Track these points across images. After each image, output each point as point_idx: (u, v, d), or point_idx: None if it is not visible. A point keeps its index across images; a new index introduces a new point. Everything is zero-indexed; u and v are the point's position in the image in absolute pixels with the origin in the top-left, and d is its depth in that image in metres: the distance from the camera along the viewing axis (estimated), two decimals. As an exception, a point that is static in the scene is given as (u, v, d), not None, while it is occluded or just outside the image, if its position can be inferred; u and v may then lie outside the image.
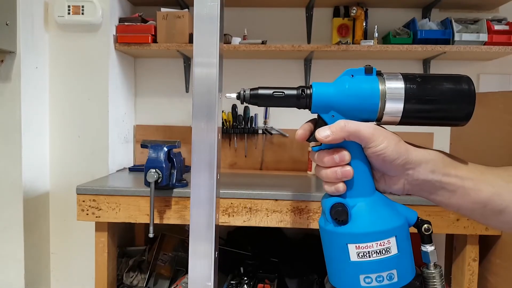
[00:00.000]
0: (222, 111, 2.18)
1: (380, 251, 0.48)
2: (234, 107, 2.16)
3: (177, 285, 1.77)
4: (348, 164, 0.50)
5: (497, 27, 1.86)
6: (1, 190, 1.69)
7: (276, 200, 1.46)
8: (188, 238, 0.52)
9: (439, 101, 0.49)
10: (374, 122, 0.51)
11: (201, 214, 0.52)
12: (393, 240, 0.49)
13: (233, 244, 2.00)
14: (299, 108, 0.53)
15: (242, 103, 0.53)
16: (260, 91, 0.53)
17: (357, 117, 0.50)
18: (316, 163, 0.53)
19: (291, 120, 2.21)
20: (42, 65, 1.84)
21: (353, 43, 2.01)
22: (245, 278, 1.80)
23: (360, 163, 0.51)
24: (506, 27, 1.86)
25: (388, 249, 0.49)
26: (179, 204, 1.49)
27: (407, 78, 0.50)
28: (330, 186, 0.51)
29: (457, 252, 1.59)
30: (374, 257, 0.48)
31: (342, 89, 0.50)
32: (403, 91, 0.49)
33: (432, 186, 0.50)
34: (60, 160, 1.89)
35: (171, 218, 1.49)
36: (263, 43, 1.93)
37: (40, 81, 1.82)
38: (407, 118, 0.50)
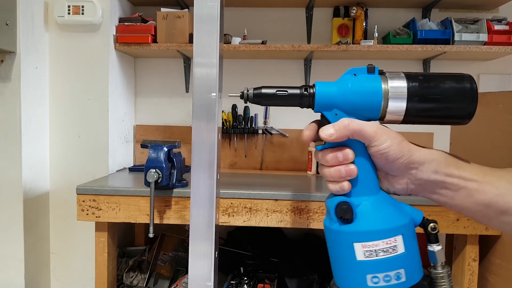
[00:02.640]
0: (222, 111, 2.18)
1: (387, 249, 0.48)
2: (234, 107, 2.16)
3: (177, 285, 1.77)
4: (352, 162, 0.50)
5: (497, 27, 1.86)
6: (1, 190, 1.69)
7: (276, 200, 1.47)
8: (188, 238, 0.52)
9: (441, 100, 0.49)
10: (377, 121, 0.51)
11: (201, 214, 0.52)
12: (399, 238, 0.48)
13: (233, 244, 2.00)
14: (302, 107, 0.53)
15: (245, 102, 0.53)
16: (263, 90, 0.53)
17: (360, 115, 0.50)
18: (320, 162, 0.53)
19: (291, 120, 2.21)
20: (42, 65, 1.84)
21: (353, 43, 2.01)
22: (245, 278, 1.80)
23: (364, 162, 0.51)
24: (506, 27, 1.86)
25: (395, 248, 0.48)
26: (179, 204, 1.49)
27: (409, 77, 0.50)
28: (334, 185, 0.51)
29: (457, 252, 1.59)
30: (381, 256, 0.48)
31: (345, 87, 0.50)
32: (405, 90, 0.49)
33: (435, 186, 0.50)
34: (60, 160, 1.89)
35: (171, 218, 1.49)
36: (263, 43, 1.93)
37: (40, 81, 1.82)
38: (410, 117, 0.50)
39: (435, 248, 0.52)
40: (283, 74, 2.22)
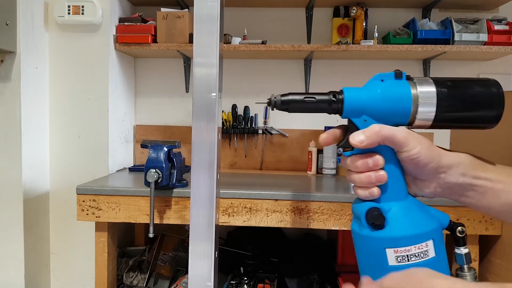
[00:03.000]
0: (222, 111, 2.18)
1: (418, 254, 0.48)
2: (234, 107, 2.16)
3: (177, 285, 1.77)
4: (382, 168, 0.50)
5: (497, 27, 1.86)
6: (1, 190, 1.69)
7: (276, 200, 1.46)
8: (188, 238, 0.52)
9: (469, 105, 0.49)
10: (405, 126, 0.51)
11: (201, 214, 0.52)
12: (430, 243, 0.49)
13: (233, 244, 2.00)
14: (329, 113, 0.53)
15: (272, 109, 0.53)
16: (291, 97, 0.52)
17: (389, 121, 0.50)
18: (348, 168, 0.53)
19: (291, 120, 2.21)
20: (42, 65, 1.84)
21: (353, 43, 2.01)
22: (245, 278, 1.80)
23: (393, 167, 0.51)
24: (506, 27, 1.86)
25: (426, 252, 0.48)
26: (179, 204, 1.49)
27: (437, 82, 0.50)
28: (363, 191, 0.51)
29: (457, 252, 1.59)
30: (413, 260, 0.48)
31: (374, 93, 0.50)
32: (435, 95, 0.49)
33: (462, 189, 0.51)
34: (60, 160, 1.89)
35: (171, 218, 1.49)
36: (263, 43, 1.93)
37: (40, 81, 1.82)
38: (438, 122, 0.50)
39: (463, 250, 0.52)
40: (283, 74, 2.22)
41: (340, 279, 1.77)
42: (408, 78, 0.51)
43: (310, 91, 2.16)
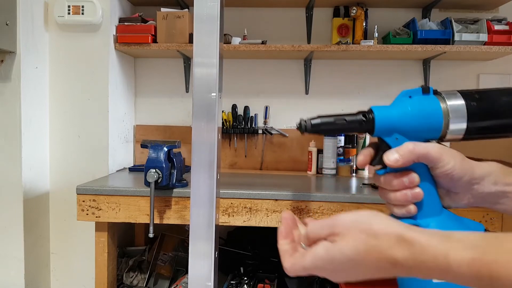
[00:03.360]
0: (222, 111, 2.18)
1: None
2: (234, 107, 2.16)
3: (177, 285, 1.77)
4: (417, 185, 0.50)
5: (497, 27, 1.86)
6: (1, 190, 1.69)
7: (276, 200, 1.47)
8: (188, 238, 0.52)
9: (499, 116, 0.50)
10: (436, 141, 0.51)
11: (201, 214, 0.52)
12: None
13: (233, 244, 2.00)
14: (360, 133, 0.53)
15: (302, 133, 0.53)
16: (321, 120, 0.52)
17: (421, 137, 0.50)
18: (382, 186, 0.53)
19: (291, 120, 2.21)
20: (42, 65, 1.84)
21: (353, 43, 2.01)
22: (245, 278, 1.80)
23: (427, 183, 0.51)
24: (506, 27, 1.86)
25: None
26: (179, 204, 1.49)
27: (465, 95, 0.50)
28: (400, 209, 0.51)
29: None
30: None
31: (405, 111, 0.50)
32: (464, 109, 0.49)
33: (496, 197, 0.51)
34: (60, 160, 1.89)
35: (171, 218, 1.49)
36: (263, 43, 1.93)
37: (40, 81, 1.82)
38: (469, 135, 0.50)
39: None
40: (283, 74, 2.22)
41: (340, 279, 1.77)
42: (436, 92, 0.52)
43: (309, 94, 2.16)
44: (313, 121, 0.52)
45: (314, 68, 2.19)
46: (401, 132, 0.51)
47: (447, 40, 1.88)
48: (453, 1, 2.01)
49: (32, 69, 1.75)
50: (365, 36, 2.00)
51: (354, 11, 1.97)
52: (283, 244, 0.47)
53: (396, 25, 2.04)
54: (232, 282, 1.78)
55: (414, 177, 0.50)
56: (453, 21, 1.89)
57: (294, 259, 0.45)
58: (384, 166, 0.51)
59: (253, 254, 1.94)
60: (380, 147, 0.52)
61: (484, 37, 1.84)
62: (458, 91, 0.51)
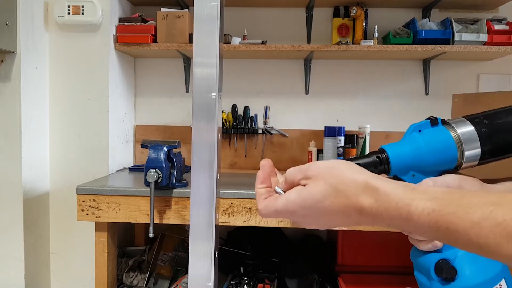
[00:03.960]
0: (222, 111, 2.18)
1: None
2: (234, 107, 2.16)
3: (177, 285, 1.77)
4: None
5: (497, 27, 1.86)
6: (1, 190, 1.69)
7: (276, 200, 1.46)
8: (188, 238, 0.52)
9: (509, 136, 0.50)
10: (451, 170, 0.51)
11: (201, 214, 0.52)
12: (503, 282, 0.48)
13: (233, 244, 1.99)
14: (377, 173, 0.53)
15: None
16: None
17: (438, 171, 0.51)
18: None
19: (291, 120, 2.21)
20: (42, 65, 1.83)
21: (353, 43, 2.01)
22: (245, 278, 1.80)
23: None
24: (506, 27, 1.86)
25: None
26: (179, 204, 1.49)
27: (472, 120, 0.50)
28: (426, 244, 0.50)
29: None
30: None
31: (417, 147, 0.50)
32: (476, 135, 0.49)
33: None
34: (60, 160, 1.89)
35: (171, 218, 1.49)
36: (263, 43, 1.93)
37: (40, 81, 1.82)
38: (484, 160, 0.50)
39: None
40: (283, 74, 2.22)
41: (340, 279, 1.77)
42: (444, 122, 0.52)
43: (309, 95, 2.16)
44: None
45: (314, 68, 2.19)
46: (417, 169, 0.51)
47: (447, 40, 1.88)
48: (453, 1, 2.01)
49: (32, 69, 1.75)
50: (365, 36, 2.00)
51: (354, 11, 1.97)
52: (259, 188, 0.48)
53: (396, 25, 2.04)
54: (232, 282, 1.77)
55: None
56: (453, 21, 1.89)
57: (267, 201, 0.46)
58: None
59: (253, 254, 1.93)
60: None
61: (484, 37, 1.84)
62: (464, 117, 0.51)
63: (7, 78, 1.66)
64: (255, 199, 1.45)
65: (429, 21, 1.96)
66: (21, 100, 1.67)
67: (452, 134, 0.50)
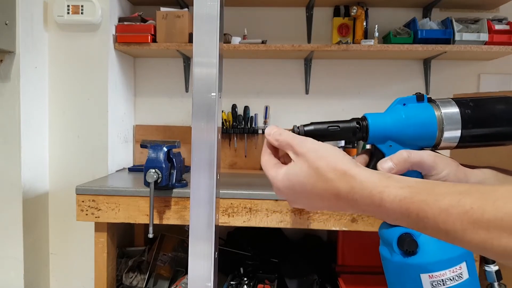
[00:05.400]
0: (222, 111, 2.17)
1: (453, 277, 0.48)
2: (234, 107, 2.16)
3: (176, 286, 1.77)
4: None
5: (497, 26, 1.85)
6: (1, 190, 1.69)
7: (276, 200, 1.46)
8: (188, 238, 0.52)
9: (493, 124, 0.50)
10: (430, 148, 0.51)
11: (201, 214, 0.52)
12: (464, 265, 0.49)
13: (233, 245, 1.99)
14: (354, 141, 0.53)
15: None
16: (315, 127, 0.52)
17: (415, 145, 0.50)
18: None
19: (291, 120, 2.20)
20: (42, 65, 1.83)
21: (353, 43, 2.00)
22: (245, 279, 1.79)
23: None
24: (507, 27, 1.86)
25: (460, 275, 0.48)
26: (179, 204, 1.48)
27: (459, 103, 0.50)
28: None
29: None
30: (448, 284, 0.48)
31: (399, 118, 0.50)
32: (459, 117, 0.49)
33: None
34: (59, 160, 1.89)
35: (171, 218, 1.49)
36: (263, 42, 1.93)
37: (39, 81, 1.81)
38: (463, 143, 0.50)
39: (493, 268, 0.52)
40: (283, 74, 2.21)
41: (340, 280, 1.77)
42: (430, 100, 0.52)
43: (309, 94, 2.16)
44: (306, 128, 0.52)
45: (314, 68, 2.19)
46: (395, 140, 0.51)
47: (448, 39, 1.88)
48: (453, 1, 2.01)
49: (32, 69, 1.75)
50: (366, 36, 2.00)
51: (355, 10, 1.96)
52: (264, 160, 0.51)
53: (397, 24, 2.04)
54: (232, 282, 1.77)
55: None
56: (453, 20, 1.88)
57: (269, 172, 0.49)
58: None
59: (253, 255, 1.93)
60: (374, 154, 0.52)
61: (484, 36, 1.84)
62: (452, 99, 0.51)
63: (6, 78, 1.66)
64: (255, 199, 1.46)
65: (430, 20, 1.96)
66: (21, 100, 1.67)
67: (436, 112, 0.50)
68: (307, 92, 2.19)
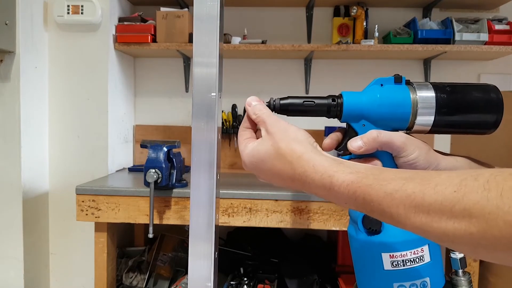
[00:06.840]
0: (222, 111, 2.17)
1: (414, 259, 0.49)
2: (234, 107, 2.16)
3: (176, 286, 1.77)
4: None
5: (497, 26, 1.85)
6: (1, 191, 1.69)
7: (276, 200, 1.46)
8: (188, 238, 0.52)
9: (469, 110, 0.49)
10: (404, 131, 0.51)
11: (201, 214, 0.52)
12: (426, 248, 0.49)
13: (233, 245, 1.99)
14: (328, 118, 0.53)
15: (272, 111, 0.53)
16: (290, 101, 0.52)
17: (388, 126, 0.50)
18: None
19: (291, 120, 2.19)
20: (42, 65, 1.83)
21: (353, 43, 2.00)
22: (245, 279, 1.79)
23: None
24: (507, 27, 1.86)
25: (421, 257, 0.49)
26: (179, 204, 1.48)
27: (437, 87, 0.50)
28: None
29: (457, 252, 1.58)
30: (408, 265, 0.49)
31: (374, 98, 0.50)
32: (434, 101, 0.49)
33: None
34: (59, 160, 1.89)
35: (171, 218, 1.49)
36: (263, 42, 1.93)
37: (39, 81, 1.81)
38: (437, 127, 0.50)
39: (458, 255, 0.52)
40: (283, 74, 2.21)
41: (340, 280, 1.77)
42: (408, 82, 0.51)
43: (309, 94, 2.16)
44: (282, 101, 0.52)
45: (314, 68, 2.19)
46: (368, 119, 0.51)
47: (448, 39, 1.88)
48: (453, 1, 2.01)
49: (32, 69, 1.75)
50: (366, 36, 2.00)
51: (355, 10, 1.96)
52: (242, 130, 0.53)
53: (397, 24, 2.03)
54: (232, 282, 1.77)
55: (377, 164, 0.50)
56: (453, 20, 1.88)
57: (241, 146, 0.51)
58: (349, 152, 0.51)
59: (253, 255, 1.93)
60: (347, 133, 0.52)
61: (484, 36, 1.84)
62: (431, 83, 0.50)
63: (6, 78, 1.66)
64: (255, 199, 1.46)
65: (430, 20, 1.96)
66: (21, 100, 1.67)
67: (412, 94, 0.50)
68: (307, 92, 2.19)
